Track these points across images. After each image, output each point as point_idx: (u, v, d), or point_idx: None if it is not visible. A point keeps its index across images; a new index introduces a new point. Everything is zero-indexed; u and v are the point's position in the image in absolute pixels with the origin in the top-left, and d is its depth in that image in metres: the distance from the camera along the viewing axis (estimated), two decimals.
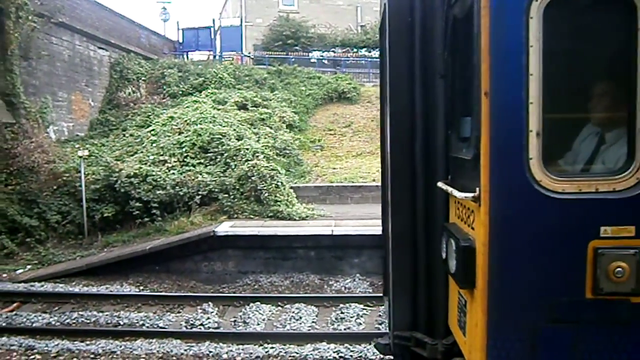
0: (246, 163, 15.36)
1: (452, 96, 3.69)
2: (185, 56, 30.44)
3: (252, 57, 31.56)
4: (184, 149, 16.45)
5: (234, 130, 17.80)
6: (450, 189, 3.41)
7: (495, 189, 3.07)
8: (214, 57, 30.78)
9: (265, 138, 18.65)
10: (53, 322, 9.29)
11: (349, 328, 8.90)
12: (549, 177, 3.01)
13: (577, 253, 3.00)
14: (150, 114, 21.13)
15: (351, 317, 9.28)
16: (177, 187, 14.61)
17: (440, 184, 3.62)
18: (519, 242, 3.12)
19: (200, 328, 9.04)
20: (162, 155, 16.24)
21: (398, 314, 4.11)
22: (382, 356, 5.51)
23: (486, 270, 3.08)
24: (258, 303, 10.09)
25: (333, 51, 32.15)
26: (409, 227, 3.99)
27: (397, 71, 4.04)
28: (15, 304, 10.38)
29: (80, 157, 14.67)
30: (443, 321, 3.79)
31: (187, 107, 20.48)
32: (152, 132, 18.41)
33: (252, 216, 14.16)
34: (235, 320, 9.49)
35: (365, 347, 7.77)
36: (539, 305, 3.11)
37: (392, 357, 4.41)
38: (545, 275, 3.09)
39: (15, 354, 7.82)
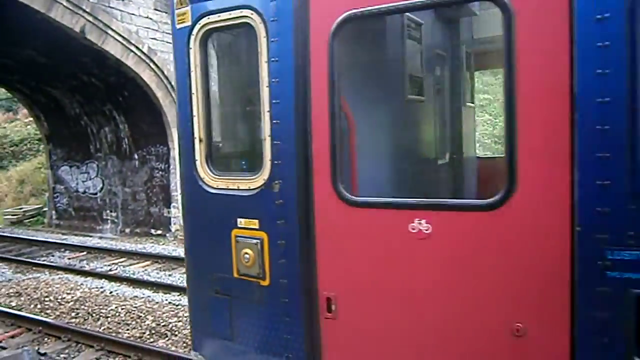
0: None
1: None
2: None
3: None
4: None
5: None
6: None
7: (182, 183, 4.03)
8: None
9: None
10: None
11: None
12: (209, 175, 3.74)
13: (226, 239, 3.63)
14: None
15: None
16: None
17: None
18: (195, 227, 4.00)
19: None
20: None
21: None
22: None
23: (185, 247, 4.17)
24: None
25: None
26: None
27: None
28: None
29: None
30: None
31: None
32: None
33: None
34: None
35: None
36: (209, 279, 3.87)
37: None
38: (211, 255, 3.84)
39: None
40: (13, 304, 10.25)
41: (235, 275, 3.63)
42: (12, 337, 8.50)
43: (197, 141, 3.75)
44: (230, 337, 3.81)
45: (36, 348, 7.84)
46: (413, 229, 2.99)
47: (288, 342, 3.49)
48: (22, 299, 10.52)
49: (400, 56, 4.01)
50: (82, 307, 9.83)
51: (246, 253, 3.53)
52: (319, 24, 3.17)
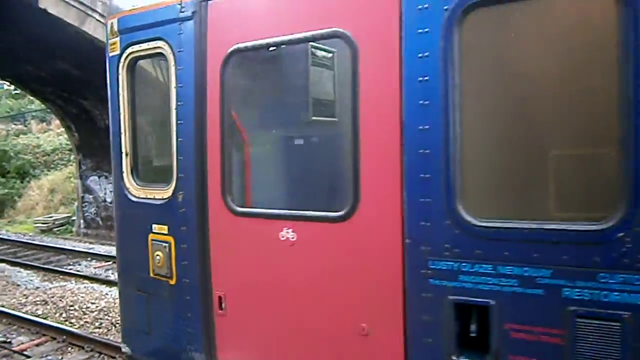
0: None
1: None
2: None
3: None
4: None
5: None
6: None
7: (114, 192, 4.53)
8: None
9: None
10: None
11: None
12: (133, 186, 4.27)
13: (145, 242, 4.12)
14: None
15: None
16: None
17: None
18: (122, 231, 4.54)
19: None
20: None
21: None
22: None
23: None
24: None
25: None
26: None
27: None
28: None
29: None
30: None
31: None
32: None
33: None
34: None
35: None
36: (132, 278, 4.36)
37: None
38: (134, 256, 4.29)
39: None
40: (39, 312, 10.34)
41: (151, 274, 4.16)
42: (37, 345, 8.56)
43: (124, 155, 4.30)
44: (147, 330, 4.29)
45: (60, 358, 7.86)
46: (282, 237, 3.45)
47: (190, 335, 3.97)
48: (48, 307, 10.62)
49: (301, 81, 4.25)
50: (106, 317, 9.86)
51: (158, 255, 4.07)
52: (214, 55, 3.70)
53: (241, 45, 3.58)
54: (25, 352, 8.23)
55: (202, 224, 3.81)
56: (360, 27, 3.10)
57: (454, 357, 2.88)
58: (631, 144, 2.42)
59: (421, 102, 2.87)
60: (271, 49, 3.64)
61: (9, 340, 8.80)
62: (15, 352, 8.25)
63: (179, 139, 3.89)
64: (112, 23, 4.36)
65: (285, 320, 3.55)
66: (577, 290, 2.56)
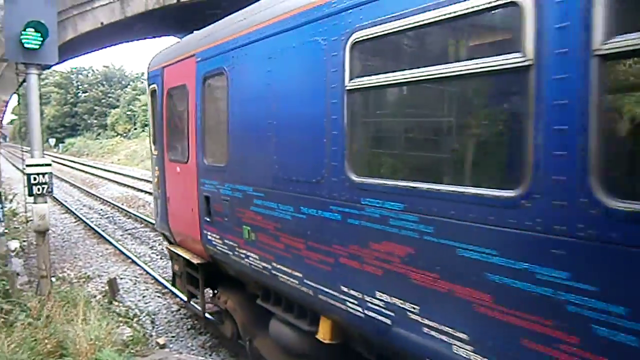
0: None
1: None
2: None
3: None
4: None
5: None
6: None
7: (151, 153, 9.22)
8: None
9: None
10: None
11: None
12: (152, 148, 8.83)
13: (154, 175, 8.85)
14: None
15: None
16: None
17: None
18: (152, 171, 9.32)
19: None
20: None
21: None
22: None
23: None
24: None
25: None
26: None
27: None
28: None
29: None
30: None
31: None
32: None
33: None
34: None
35: None
36: (155, 192, 9.04)
37: None
38: (153, 181, 9.10)
39: None
40: None
41: (156, 189, 8.57)
42: None
43: (151, 135, 8.85)
44: (157, 214, 8.77)
45: None
46: (177, 170, 7.32)
47: (164, 216, 8.04)
48: None
49: (181, 104, 7.45)
50: None
51: (156, 179, 8.42)
52: (165, 90, 7.66)
53: (170, 87, 7.55)
54: None
55: (164, 165, 7.85)
56: (189, 83, 6.73)
57: (205, 217, 6.43)
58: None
59: (198, 114, 6.47)
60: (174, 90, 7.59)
61: None
62: None
63: (158, 128, 8.13)
64: (147, 73, 8.69)
65: (178, 206, 7.51)
66: (224, 189, 5.81)
